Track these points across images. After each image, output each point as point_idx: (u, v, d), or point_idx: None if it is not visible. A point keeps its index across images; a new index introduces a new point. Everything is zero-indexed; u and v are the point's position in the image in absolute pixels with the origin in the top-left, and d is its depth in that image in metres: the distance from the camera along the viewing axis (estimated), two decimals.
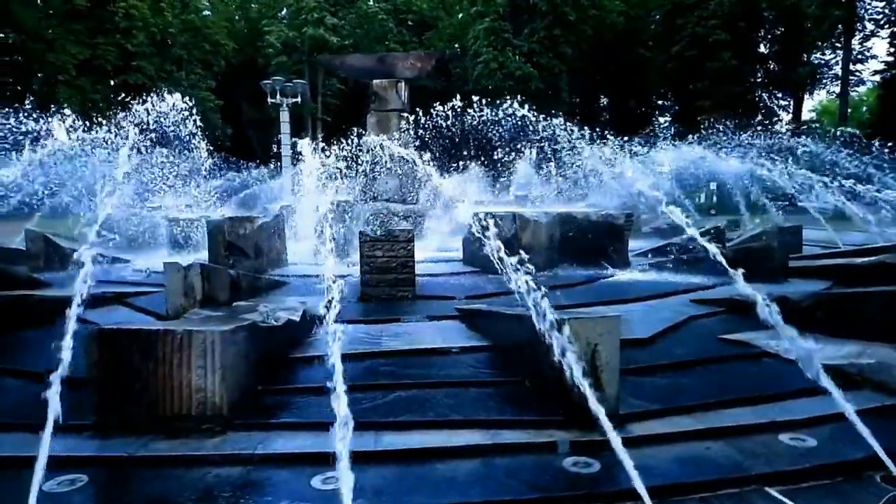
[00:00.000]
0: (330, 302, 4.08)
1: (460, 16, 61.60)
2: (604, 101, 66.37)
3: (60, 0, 45.68)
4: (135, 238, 13.30)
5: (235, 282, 7.19)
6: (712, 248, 4.64)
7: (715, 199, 34.33)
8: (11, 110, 14.57)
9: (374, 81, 14.91)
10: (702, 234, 13.10)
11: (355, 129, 14.89)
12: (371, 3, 59.12)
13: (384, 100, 14.86)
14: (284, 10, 57.98)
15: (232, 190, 19.67)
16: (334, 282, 4.25)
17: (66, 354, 3.30)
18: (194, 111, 14.28)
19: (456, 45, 60.60)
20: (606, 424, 3.41)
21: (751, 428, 4.10)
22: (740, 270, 4.24)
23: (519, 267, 4.30)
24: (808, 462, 3.68)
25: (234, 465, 3.67)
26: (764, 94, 54.47)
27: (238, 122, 57.85)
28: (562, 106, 53.27)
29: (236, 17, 64.33)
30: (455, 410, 4.33)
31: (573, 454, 3.78)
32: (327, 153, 13.93)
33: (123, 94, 44.87)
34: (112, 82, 48.01)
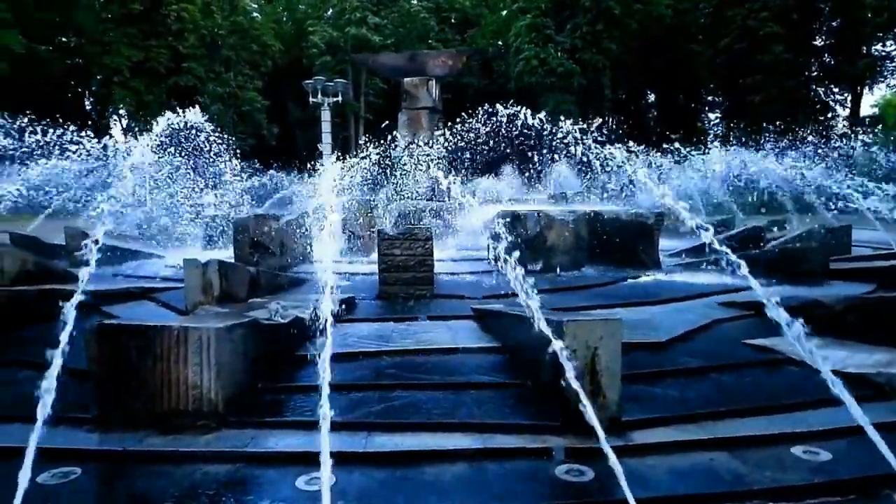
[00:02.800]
0: (342, 301, 4.00)
1: (504, 13, 61.21)
2: (651, 97, 64.89)
3: (117, 4, 47.49)
4: (170, 234, 13.65)
5: (254, 279, 7.27)
6: (708, 236, 4.31)
7: (766, 197, 33.17)
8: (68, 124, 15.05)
9: (405, 80, 14.92)
10: (739, 234, 12.61)
11: (389, 128, 14.91)
12: (413, 1, 59.39)
13: (415, 98, 14.85)
14: (330, 11, 58.80)
15: (269, 190, 20.07)
16: (331, 281, 4.20)
17: (57, 360, 3.34)
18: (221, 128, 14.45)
19: (499, 42, 60.37)
20: (599, 431, 3.28)
21: (761, 439, 3.86)
22: (742, 267, 4.01)
23: (518, 265, 4.18)
24: (819, 477, 3.44)
25: (223, 462, 3.66)
26: (819, 89, 52.13)
27: (284, 121, 59.02)
28: (605, 102, 52.40)
29: (283, 19, 65.59)
30: (452, 413, 4.24)
31: (568, 461, 3.64)
32: (362, 155, 13.99)
33: (174, 96, 46.40)
34: (164, 83, 49.50)
